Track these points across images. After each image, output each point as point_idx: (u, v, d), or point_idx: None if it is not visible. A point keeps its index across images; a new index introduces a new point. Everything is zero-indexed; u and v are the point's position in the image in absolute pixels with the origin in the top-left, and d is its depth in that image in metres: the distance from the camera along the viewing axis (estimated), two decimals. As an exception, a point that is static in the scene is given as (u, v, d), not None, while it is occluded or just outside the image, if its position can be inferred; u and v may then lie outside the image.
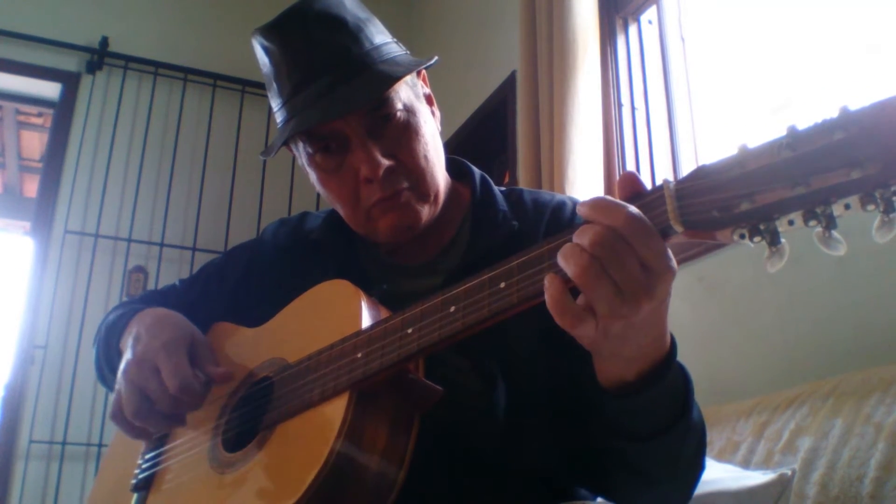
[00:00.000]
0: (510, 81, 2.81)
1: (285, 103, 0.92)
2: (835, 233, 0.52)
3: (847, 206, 0.51)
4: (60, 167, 3.33)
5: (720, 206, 0.56)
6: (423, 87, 0.99)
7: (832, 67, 1.81)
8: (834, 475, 1.13)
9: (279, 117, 0.94)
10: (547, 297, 0.61)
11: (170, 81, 3.58)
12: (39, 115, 4.49)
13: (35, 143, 5.00)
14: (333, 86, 0.87)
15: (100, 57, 3.46)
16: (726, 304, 1.70)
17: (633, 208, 0.60)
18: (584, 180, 2.04)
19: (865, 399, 1.16)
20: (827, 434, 1.18)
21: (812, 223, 0.53)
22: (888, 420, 1.10)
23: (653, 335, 0.67)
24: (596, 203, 0.61)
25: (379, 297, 0.88)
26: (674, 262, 0.61)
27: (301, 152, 0.95)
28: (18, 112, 4.56)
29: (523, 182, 2.28)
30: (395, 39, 0.96)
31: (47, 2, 3.46)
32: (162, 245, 3.36)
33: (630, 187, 0.63)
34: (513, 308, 0.66)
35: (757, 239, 0.55)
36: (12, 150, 4.99)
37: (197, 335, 0.96)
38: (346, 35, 0.89)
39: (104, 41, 3.47)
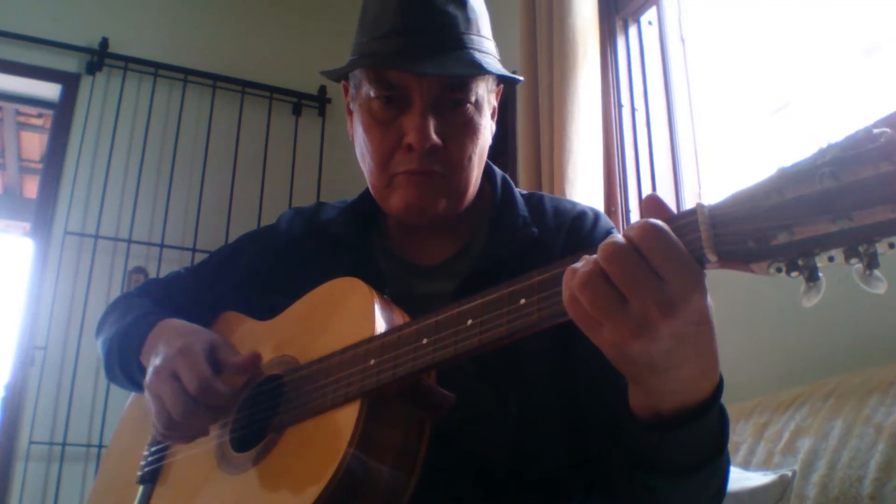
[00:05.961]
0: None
1: (376, 38, 0.91)
2: (876, 271, 0.49)
3: (892, 246, 0.47)
4: (60, 168, 3.33)
5: (757, 237, 0.52)
6: (494, 99, 1.00)
7: (832, 69, 1.81)
8: (834, 476, 1.13)
9: (359, 49, 0.94)
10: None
11: (170, 82, 3.57)
12: (39, 115, 4.48)
13: (35, 143, 5.00)
14: (432, 51, 0.88)
15: (100, 58, 3.45)
16: (726, 304, 1.70)
17: (656, 221, 0.56)
18: (584, 181, 2.04)
19: (865, 400, 1.16)
20: (827, 435, 1.18)
21: (853, 261, 0.49)
22: (888, 421, 1.10)
23: (690, 371, 0.61)
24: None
25: (392, 296, 0.87)
26: (700, 277, 0.56)
27: (361, 92, 0.94)
28: (18, 113, 4.55)
29: (523, 182, 2.28)
30: (494, 43, 0.96)
31: (47, 3, 3.45)
32: (162, 246, 3.35)
33: (655, 211, 0.59)
34: (532, 327, 0.65)
35: (794, 274, 0.52)
36: (12, 150, 4.99)
37: (215, 338, 0.94)
38: (464, 14, 0.91)
39: (104, 42, 3.47)
